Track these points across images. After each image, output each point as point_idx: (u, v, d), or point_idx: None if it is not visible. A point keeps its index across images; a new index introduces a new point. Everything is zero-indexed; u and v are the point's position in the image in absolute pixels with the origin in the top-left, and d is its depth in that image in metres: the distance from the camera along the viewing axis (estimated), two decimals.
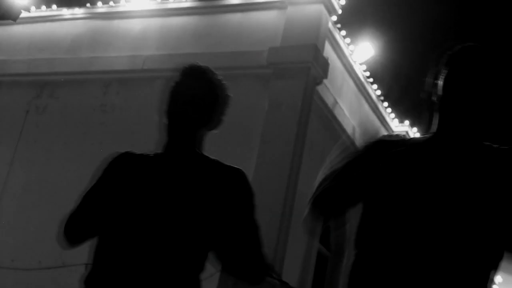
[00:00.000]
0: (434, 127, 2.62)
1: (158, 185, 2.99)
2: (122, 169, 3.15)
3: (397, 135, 2.84)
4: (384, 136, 2.80)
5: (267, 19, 10.74)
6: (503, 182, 2.46)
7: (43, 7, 12.60)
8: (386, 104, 13.12)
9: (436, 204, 2.46)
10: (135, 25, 11.67)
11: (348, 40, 11.34)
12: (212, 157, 3.11)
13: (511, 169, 2.48)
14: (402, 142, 2.69)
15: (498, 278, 2.52)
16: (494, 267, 2.48)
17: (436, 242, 2.42)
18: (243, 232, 3.02)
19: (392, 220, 2.54)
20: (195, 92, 3.08)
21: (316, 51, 9.96)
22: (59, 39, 12.29)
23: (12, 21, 10.80)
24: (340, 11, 10.72)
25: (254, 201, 3.08)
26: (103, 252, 3.02)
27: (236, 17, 11.04)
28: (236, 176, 3.06)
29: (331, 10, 10.59)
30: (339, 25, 11.06)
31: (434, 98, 2.62)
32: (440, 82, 2.58)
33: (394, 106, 13.36)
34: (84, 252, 10.47)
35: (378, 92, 12.66)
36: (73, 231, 3.19)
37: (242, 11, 11.05)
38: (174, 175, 3.01)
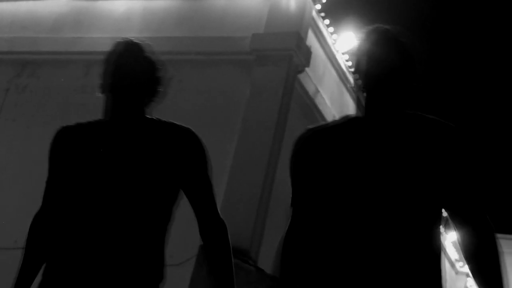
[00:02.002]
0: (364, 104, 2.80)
1: (107, 149, 3.04)
2: (65, 144, 3.17)
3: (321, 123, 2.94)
4: (305, 132, 2.88)
5: (251, 5, 10.73)
6: (430, 146, 2.59)
7: None
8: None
9: (365, 172, 2.56)
10: (119, 7, 11.62)
11: (331, 29, 11.35)
12: (163, 119, 3.19)
13: (443, 137, 2.63)
14: (325, 125, 2.85)
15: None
16: (431, 228, 2.60)
17: (370, 209, 2.52)
18: (197, 190, 3.08)
19: (325, 191, 2.63)
20: (134, 65, 3.19)
21: (299, 39, 9.96)
22: (42, 18, 12.20)
23: None
24: (324, 0, 10.72)
25: (206, 158, 3.15)
26: (61, 229, 3.02)
27: (220, 2, 11.02)
28: (186, 135, 3.15)
29: None
30: (323, 14, 11.07)
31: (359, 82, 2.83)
32: (363, 65, 2.80)
33: None
34: None
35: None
36: (39, 235, 3.23)
37: None
38: (123, 137, 3.07)
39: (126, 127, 3.10)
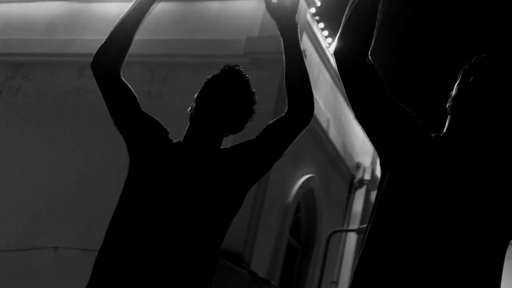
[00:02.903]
0: (446, 128, 2.74)
1: (184, 172, 3.02)
2: (160, 140, 3.13)
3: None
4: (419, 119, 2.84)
5: (246, 8, 10.72)
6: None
7: None
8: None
9: (454, 201, 2.55)
10: (112, 9, 11.59)
11: (326, 32, 11.35)
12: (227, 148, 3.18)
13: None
14: (427, 132, 2.75)
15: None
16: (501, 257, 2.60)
17: (449, 241, 2.50)
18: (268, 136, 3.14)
19: (413, 216, 2.58)
20: (235, 95, 3.14)
21: None
22: (36, 20, 12.18)
23: None
24: (319, 3, 10.72)
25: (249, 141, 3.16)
26: (118, 230, 3.01)
27: (215, 5, 11.01)
28: (233, 147, 3.15)
29: (310, 2, 10.59)
30: (317, 17, 11.07)
31: (449, 103, 2.75)
32: (455, 90, 2.72)
33: None
34: (53, 235, 10.41)
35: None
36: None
37: None
38: (200, 165, 3.06)
39: (205, 156, 3.09)
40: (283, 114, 3.14)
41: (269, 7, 3.16)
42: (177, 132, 3.26)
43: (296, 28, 3.17)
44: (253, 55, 9.96)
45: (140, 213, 2.97)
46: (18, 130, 11.22)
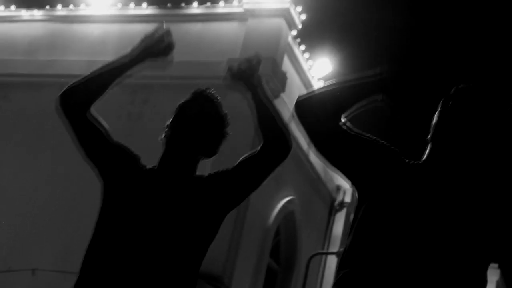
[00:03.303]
0: (425, 155, 2.77)
1: (158, 197, 3.06)
2: (131, 168, 3.16)
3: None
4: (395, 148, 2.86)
5: (228, 30, 10.75)
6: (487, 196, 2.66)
7: (1, 7, 12.43)
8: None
9: (433, 224, 2.57)
10: (94, 30, 11.59)
11: (307, 55, 11.40)
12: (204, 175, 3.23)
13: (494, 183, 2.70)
14: (403, 160, 2.78)
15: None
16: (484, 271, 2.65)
17: (433, 257, 2.53)
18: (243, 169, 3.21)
19: (392, 236, 2.60)
20: (207, 120, 3.20)
21: (274, 64, 9.99)
22: (17, 41, 12.14)
23: None
24: (300, 26, 10.77)
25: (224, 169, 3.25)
26: (95, 257, 3.00)
27: (197, 26, 11.02)
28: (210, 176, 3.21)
29: (291, 24, 10.63)
30: (298, 40, 11.12)
31: (430, 131, 2.78)
32: (435, 118, 2.76)
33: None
34: (30, 257, 10.33)
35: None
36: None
37: (202, 21, 11.04)
38: (176, 191, 3.09)
39: (180, 183, 3.12)
40: (258, 150, 3.20)
41: (230, 79, 3.30)
42: (158, 153, 3.26)
43: (257, 85, 3.39)
44: None
45: (117, 240, 2.99)
46: None
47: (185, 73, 9.95)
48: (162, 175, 3.13)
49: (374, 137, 2.80)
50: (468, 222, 2.58)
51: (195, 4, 11.11)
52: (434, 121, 2.75)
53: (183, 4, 11.24)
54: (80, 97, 3.17)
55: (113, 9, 11.56)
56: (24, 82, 11.51)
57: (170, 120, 3.23)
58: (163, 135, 3.21)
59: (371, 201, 2.68)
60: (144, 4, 11.39)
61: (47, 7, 12.19)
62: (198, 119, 3.18)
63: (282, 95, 10.22)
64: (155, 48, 3.24)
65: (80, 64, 10.99)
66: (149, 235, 2.96)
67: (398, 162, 2.72)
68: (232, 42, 10.45)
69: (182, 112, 3.22)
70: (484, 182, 2.69)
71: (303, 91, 12.14)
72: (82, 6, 11.84)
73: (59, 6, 12.06)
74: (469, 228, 2.57)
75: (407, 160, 2.75)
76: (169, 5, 11.34)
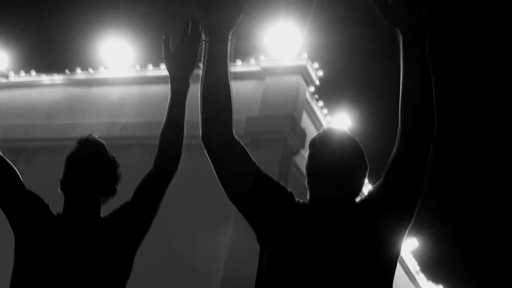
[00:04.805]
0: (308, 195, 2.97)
1: (65, 245, 3.16)
2: (42, 216, 3.32)
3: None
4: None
5: (245, 89, 10.82)
6: (372, 230, 2.73)
7: (22, 73, 12.61)
8: None
9: (323, 258, 2.67)
10: (113, 92, 11.69)
11: (325, 110, 11.43)
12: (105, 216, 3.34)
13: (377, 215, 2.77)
14: (296, 201, 2.99)
15: None
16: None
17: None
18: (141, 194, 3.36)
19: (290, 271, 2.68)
20: (93, 164, 3.36)
21: (293, 121, 10.01)
22: (37, 105, 12.27)
23: None
24: (317, 82, 10.82)
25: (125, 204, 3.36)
26: None
27: None
28: (112, 213, 3.32)
29: (308, 81, 10.69)
30: (316, 96, 11.16)
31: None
32: (306, 162, 3.01)
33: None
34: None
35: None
36: None
37: None
38: (79, 235, 3.20)
39: (85, 226, 3.23)
40: (150, 170, 3.41)
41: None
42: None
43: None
44: (253, 135, 9.99)
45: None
46: None
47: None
48: (68, 222, 3.25)
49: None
50: (357, 262, 2.64)
51: None
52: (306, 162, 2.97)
53: (200, 65, 11.32)
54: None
55: (132, 71, 11.69)
56: (46, 146, 11.61)
57: (63, 172, 3.41)
58: (59, 188, 3.41)
59: (272, 248, 2.77)
60: (162, 66, 11.50)
61: (67, 71, 12.34)
62: (85, 166, 3.31)
63: (302, 151, 10.24)
64: (181, 48, 3.36)
65: (100, 126, 11.09)
66: (64, 282, 3.05)
67: (291, 205, 2.91)
68: (250, 100, 10.50)
69: (71, 160, 3.38)
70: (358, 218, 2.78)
71: None
72: (101, 69, 11.98)
73: (78, 70, 12.22)
74: (360, 267, 2.63)
75: (296, 201, 2.95)
76: None
